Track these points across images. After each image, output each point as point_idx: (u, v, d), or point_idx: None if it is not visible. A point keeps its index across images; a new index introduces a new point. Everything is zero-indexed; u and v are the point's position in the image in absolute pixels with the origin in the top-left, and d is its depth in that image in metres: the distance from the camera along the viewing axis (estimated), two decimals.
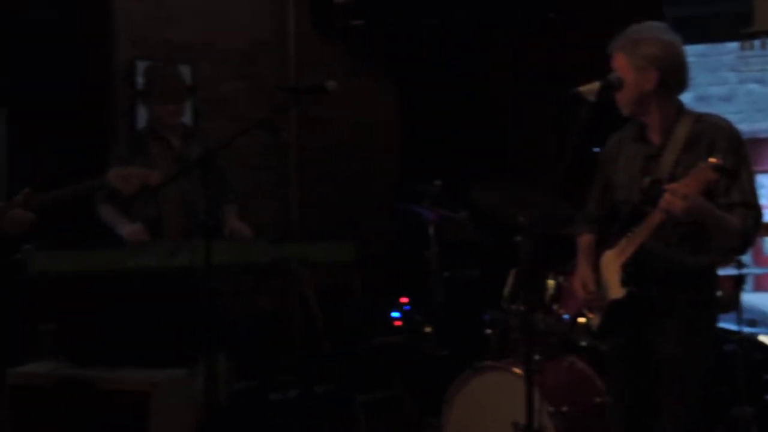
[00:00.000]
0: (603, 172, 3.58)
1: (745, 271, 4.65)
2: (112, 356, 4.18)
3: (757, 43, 5.82)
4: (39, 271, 4.13)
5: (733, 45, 6.38)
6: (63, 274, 4.22)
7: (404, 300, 5.49)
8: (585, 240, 3.64)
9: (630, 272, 3.31)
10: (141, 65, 5.60)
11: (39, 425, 4.02)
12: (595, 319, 3.45)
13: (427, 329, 5.29)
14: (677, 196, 3.07)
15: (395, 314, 5.47)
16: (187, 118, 5.53)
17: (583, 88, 3.34)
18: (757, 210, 3.25)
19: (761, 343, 5.49)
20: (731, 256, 4.31)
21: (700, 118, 3.36)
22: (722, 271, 4.43)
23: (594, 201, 3.63)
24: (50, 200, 3.61)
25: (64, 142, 5.22)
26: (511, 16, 6.14)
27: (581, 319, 3.66)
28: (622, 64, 3.35)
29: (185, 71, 5.80)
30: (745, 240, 3.30)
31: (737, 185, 3.24)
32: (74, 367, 4.13)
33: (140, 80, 5.04)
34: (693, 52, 8.60)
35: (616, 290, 3.35)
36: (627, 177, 3.43)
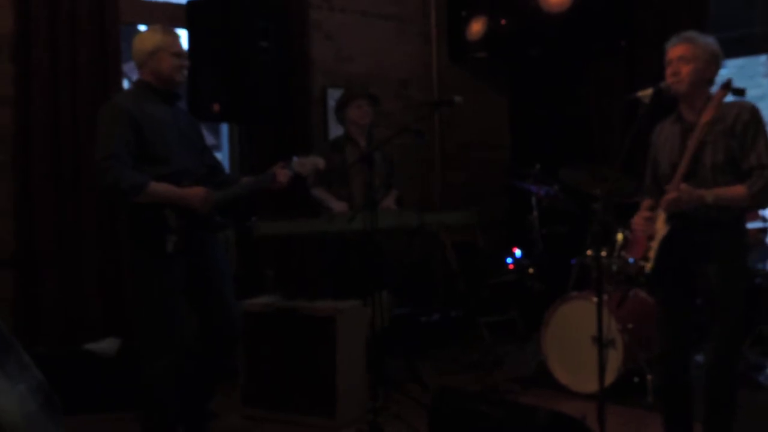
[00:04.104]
0: (653, 153, 3.36)
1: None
2: (311, 292, 4.21)
3: None
4: (262, 234, 4.17)
5: (764, 57, 6.05)
6: (278, 236, 4.29)
7: (515, 250, 5.43)
8: (646, 202, 3.45)
9: (672, 213, 3.07)
10: (330, 91, 5.70)
11: (262, 339, 4.09)
12: (648, 266, 3.15)
13: (531, 270, 5.23)
14: (671, 198, 2.99)
15: (509, 260, 5.42)
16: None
17: (640, 93, 3.16)
18: None
19: None
20: (751, 211, 3.98)
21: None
22: (751, 225, 4.21)
23: (649, 176, 3.40)
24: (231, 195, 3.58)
25: (277, 148, 5.27)
26: (593, 45, 5.97)
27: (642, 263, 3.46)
28: (690, 53, 3.08)
29: None
30: (756, 200, 3.04)
31: (754, 151, 2.99)
32: (285, 299, 4.17)
33: (334, 102, 4.97)
34: (733, 64, 8.18)
35: (662, 230, 3.10)
36: (668, 153, 3.20)
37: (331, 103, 5.54)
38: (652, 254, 3.18)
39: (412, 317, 5.37)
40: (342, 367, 3.92)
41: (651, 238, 3.20)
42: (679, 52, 3.11)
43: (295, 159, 3.68)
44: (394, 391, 4.25)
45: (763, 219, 4.36)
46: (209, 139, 4.93)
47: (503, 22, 5.92)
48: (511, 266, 5.33)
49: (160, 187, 3.27)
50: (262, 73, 4.65)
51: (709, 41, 3.15)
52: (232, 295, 3.58)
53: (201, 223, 3.40)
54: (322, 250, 4.74)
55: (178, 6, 5.04)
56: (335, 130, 5.46)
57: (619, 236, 4.29)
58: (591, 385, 4.01)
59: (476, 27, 6.12)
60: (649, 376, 4.10)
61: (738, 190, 3.00)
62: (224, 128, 5.72)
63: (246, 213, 4.24)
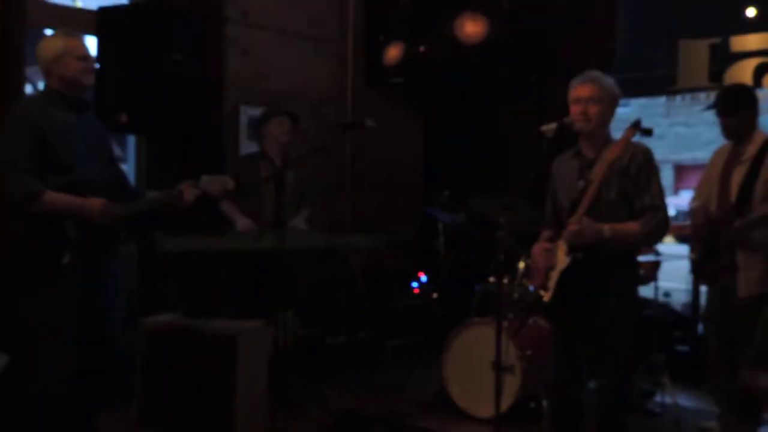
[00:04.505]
0: (552, 186, 3.50)
1: (660, 258, 4.57)
2: (213, 311, 4.14)
3: (679, 97, 5.72)
4: (165, 250, 4.08)
5: (663, 99, 6.32)
6: (181, 252, 4.19)
7: (421, 275, 5.48)
8: (545, 233, 3.55)
9: (572, 245, 3.19)
10: (243, 108, 5.64)
11: (161, 357, 4.00)
12: (547, 295, 3.26)
13: (435, 295, 5.28)
14: (573, 230, 3.10)
15: (414, 284, 5.46)
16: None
17: (544, 128, 3.28)
18: (662, 210, 3.16)
19: (672, 309, 5.45)
20: (644, 247, 4.16)
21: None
22: (644, 257, 4.38)
23: (549, 207, 3.53)
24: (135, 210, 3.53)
25: (186, 164, 5.11)
26: (505, 80, 6.12)
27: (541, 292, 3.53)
28: (597, 95, 3.22)
29: None
30: (649, 238, 3.22)
31: (648, 192, 3.16)
32: (186, 317, 4.10)
33: (253, 118, 4.88)
34: (636, 103, 8.54)
35: (563, 262, 3.20)
36: (566, 187, 3.35)
37: (244, 119, 5.49)
38: (551, 284, 3.28)
39: (319, 339, 5.33)
40: (242, 387, 3.86)
41: (551, 268, 3.30)
42: (587, 93, 3.24)
43: (204, 177, 3.62)
44: (296, 413, 4.21)
45: (656, 253, 4.55)
46: (115, 150, 4.80)
47: (422, 49, 6.01)
48: (416, 290, 5.38)
49: (56, 197, 3.19)
50: (173, 86, 4.55)
51: (611, 83, 3.30)
52: (116, 313, 3.50)
53: (102, 235, 3.32)
54: (227, 268, 4.67)
55: (90, 12, 4.92)
56: (246, 148, 5.40)
57: (521, 264, 4.40)
58: (489, 410, 4.06)
59: (393, 52, 6.20)
60: (544, 402, 4.20)
61: (632, 227, 3.15)
62: (131, 140, 5.58)
63: (150, 227, 4.15)
